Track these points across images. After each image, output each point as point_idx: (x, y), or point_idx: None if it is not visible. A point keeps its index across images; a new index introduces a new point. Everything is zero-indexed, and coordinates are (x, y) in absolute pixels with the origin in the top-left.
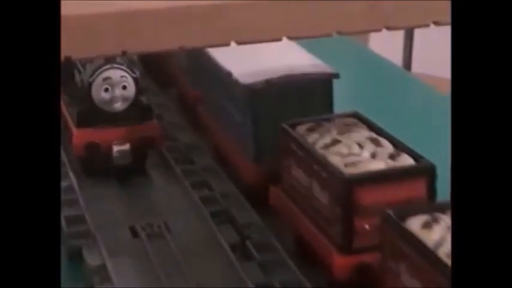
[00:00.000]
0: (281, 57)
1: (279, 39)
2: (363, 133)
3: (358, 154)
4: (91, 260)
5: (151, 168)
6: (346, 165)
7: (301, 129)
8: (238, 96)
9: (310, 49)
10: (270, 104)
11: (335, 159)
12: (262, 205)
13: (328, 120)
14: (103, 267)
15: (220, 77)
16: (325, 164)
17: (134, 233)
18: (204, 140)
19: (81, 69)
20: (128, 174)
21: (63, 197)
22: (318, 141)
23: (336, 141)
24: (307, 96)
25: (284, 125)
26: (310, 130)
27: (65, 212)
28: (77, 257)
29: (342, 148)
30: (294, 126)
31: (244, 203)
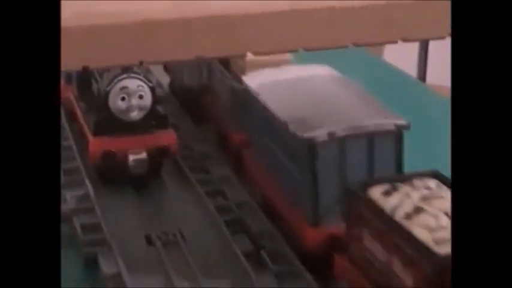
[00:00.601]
0: (341, 102)
1: (295, 51)
2: (449, 199)
3: (448, 228)
4: (106, 268)
5: (167, 176)
6: (436, 242)
7: (375, 192)
8: (296, 150)
9: (324, 60)
10: (333, 160)
11: (421, 233)
12: (323, 276)
13: (404, 180)
14: (118, 275)
15: (272, 123)
16: (410, 239)
17: (149, 241)
18: (250, 188)
19: (98, 78)
20: (143, 182)
21: (79, 204)
22: (398, 208)
23: (419, 210)
24: (375, 151)
25: (353, 187)
26: (386, 194)
27: (81, 220)
28: (92, 264)
29: (427, 219)
30: (364, 188)
31: (258, 212)
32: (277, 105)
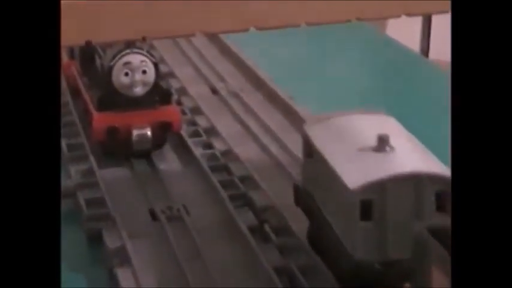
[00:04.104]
0: None
1: (298, 25)
2: None
3: None
4: (111, 242)
5: (171, 151)
6: None
7: None
8: None
9: (327, 35)
10: None
11: None
12: None
13: None
14: (122, 250)
15: None
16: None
17: (154, 216)
18: None
19: (102, 53)
20: (147, 157)
21: (83, 179)
22: None
23: None
24: None
25: None
26: None
27: (85, 195)
28: (96, 239)
29: None
30: None
31: (262, 186)
32: None
